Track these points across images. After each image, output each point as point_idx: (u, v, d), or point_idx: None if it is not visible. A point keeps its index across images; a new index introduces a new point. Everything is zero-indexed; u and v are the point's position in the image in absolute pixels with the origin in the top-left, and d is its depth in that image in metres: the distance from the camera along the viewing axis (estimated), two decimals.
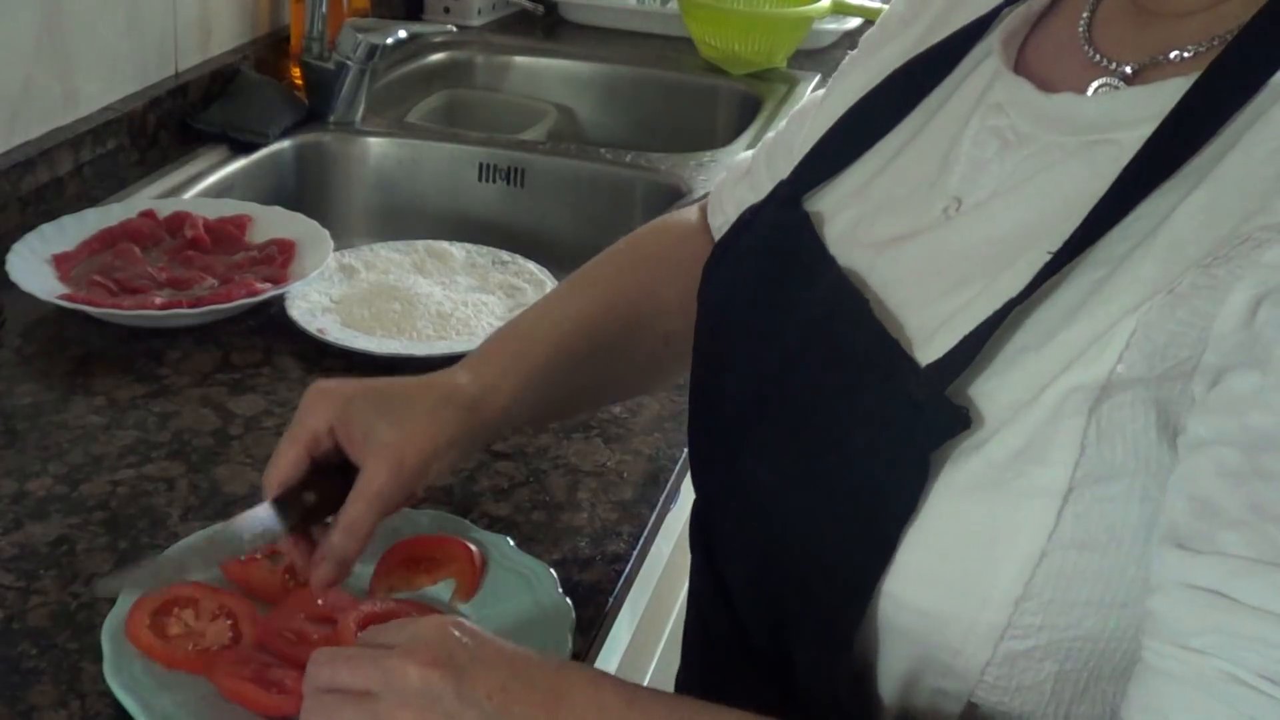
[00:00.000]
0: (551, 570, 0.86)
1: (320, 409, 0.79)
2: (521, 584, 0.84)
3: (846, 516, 0.65)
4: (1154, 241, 0.60)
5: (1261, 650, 0.53)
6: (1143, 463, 0.59)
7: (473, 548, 0.85)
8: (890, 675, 0.67)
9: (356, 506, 0.76)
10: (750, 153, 0.96)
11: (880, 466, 0.63)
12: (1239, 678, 0.53)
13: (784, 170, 0.82)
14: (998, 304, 0.62)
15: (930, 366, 0.64)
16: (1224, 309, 0.56)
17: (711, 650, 0.82)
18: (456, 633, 0.64)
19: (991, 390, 0.62)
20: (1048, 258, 0.62)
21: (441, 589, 0.84)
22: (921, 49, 0.78)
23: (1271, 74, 0.60)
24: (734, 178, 0.94)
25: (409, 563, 0.84)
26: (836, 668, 0.67)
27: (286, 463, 0.79)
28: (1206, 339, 0.57)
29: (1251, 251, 0.56)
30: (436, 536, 0.86)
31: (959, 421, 0.61)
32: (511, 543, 0.87)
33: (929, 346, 0.65)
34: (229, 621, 0.80)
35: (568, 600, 0.83)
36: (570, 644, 0.80)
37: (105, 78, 1.52)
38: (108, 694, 0.75)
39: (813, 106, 0.88)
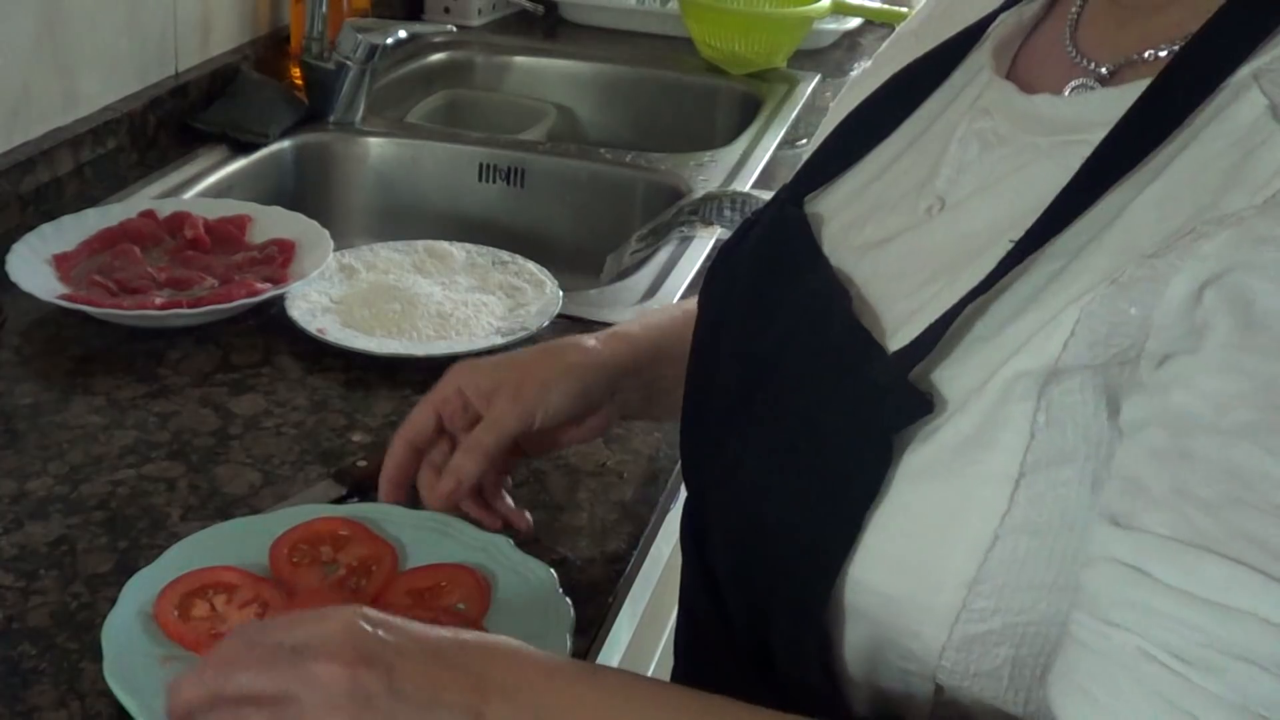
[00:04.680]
0: (552, 570, 0.86)
1: (452, 374, 0.89)
2: (521, 584, 0.84)
3: (815, 499, 0.66)
4: (1108, 234, 0.61)
5: (1176, 629, 0.54)
6: (1094, 447, 0.60)
7: (477, 571, 0.84)
8: (856, 657, 0.68)
9: (478, 429, 0.86)
10: None
11: (846, 449, 0.65)
12: (1152, 655, 0.54)
13: None
14: (962, 294, 0.64)
15: (895, 354, 0.65)
16: (1164, 299, 0.57)
17: (698, 642, 0.83)
18: (368, 626, 0.62)
19: (949, 378, 0.63)
20: (1009, 246, 0.63)
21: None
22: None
23: (1230, 73, 0.60)
24: None
25: (414, 594, 0.83)
26: (805, 650, 0.68)
27: (415, 418, 0.89)
28: (1148, 328, 0.58)
29: (1192, 244, 0.57)
30: (438, 565, 0.85)
31: (921, 406, 0.63)
32: (511, 543, 0.88)
33: (897, 337, 0.67)
34: (258, 612, 0.80)
35: (568, 600, 0.83)
36: (570, 644, 0.80)
37: (105, 78, 1.52)
38: (108, 694, 0.75)
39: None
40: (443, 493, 0.85)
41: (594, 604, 0.89)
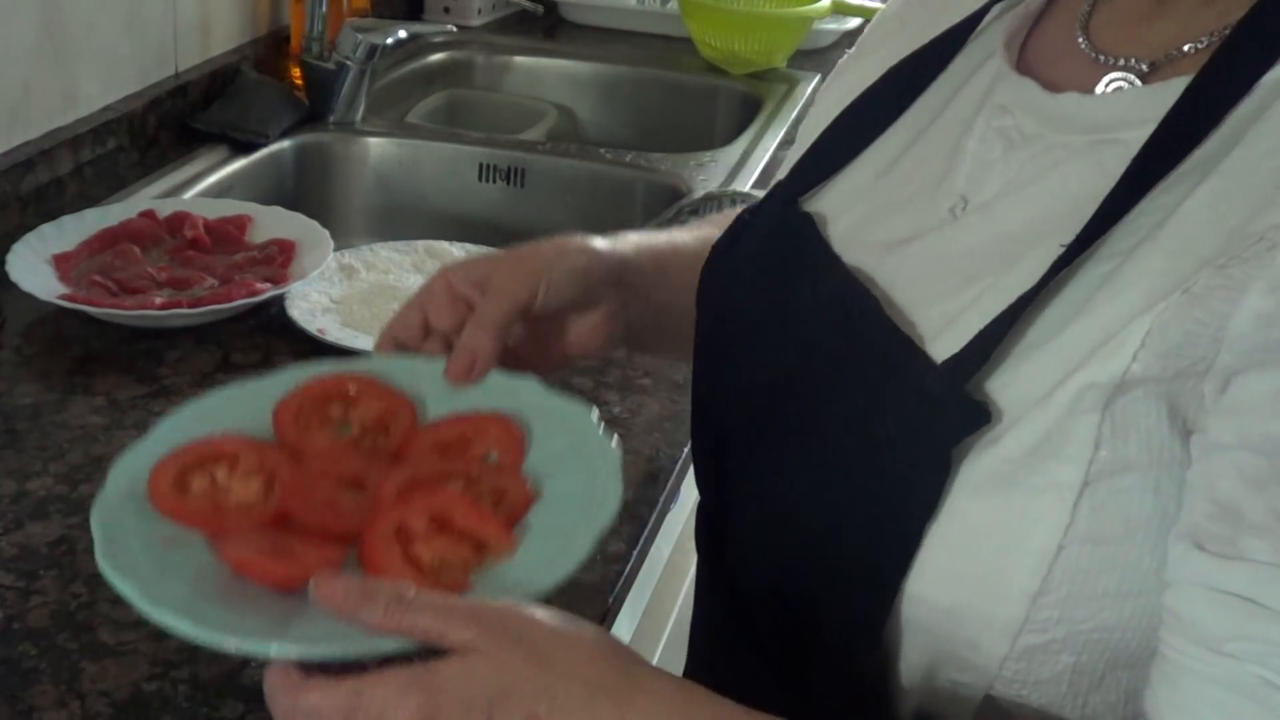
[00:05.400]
0: (594, 408, 0.77)
1: (440, 271, 0.83)
2: (559, 428, 0.76)
3: (869, 514, 0.64)
4: (1161, 236, 0.60)
5: None
6: (1155, 456, 0.59)
7: (507, 417, 0.75)
8: (908, 671, 0.66)
9: (484, 304, 0.80)
10: None
11: (901, 463, 0.63)
12: (1274, 683, 0.54)
13: None
14: (1009, 299, 0.62)
15: (947, 362, 0.63)
16: (1239, 310, 0.56)
17: (718, 647, 0.82)
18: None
19: (1002, 386, 0.62)
20: (1060, 250, 0.62)
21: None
22: (915, 47, 0.78)
23: (1268, 68, 0.60)
24: None
25: (439, 449, 0.75)
26: (858, 667, 0.67)
27: (400, 316, 0.82)
28: (1221, 339, 0.57)
29: (1266, 253, 0.56)
30: (462, 416, 0.76)
31: (979, 416, 0.61)
32: (542, 385, 0.79)
33: (938, 343, 0.65)
34: (264, 483, 0.71)
35: (613, 441, 0.74)
36: (621, 490, 0.70)
37: (105, 78, 1.52)
38: (108, 694, 0.75)
39: None
40: (457, 372, 0.78)
41: (594, 604, 0.89)
